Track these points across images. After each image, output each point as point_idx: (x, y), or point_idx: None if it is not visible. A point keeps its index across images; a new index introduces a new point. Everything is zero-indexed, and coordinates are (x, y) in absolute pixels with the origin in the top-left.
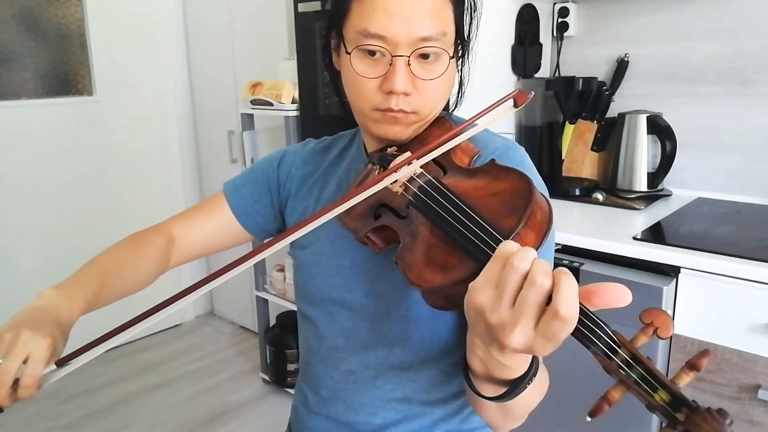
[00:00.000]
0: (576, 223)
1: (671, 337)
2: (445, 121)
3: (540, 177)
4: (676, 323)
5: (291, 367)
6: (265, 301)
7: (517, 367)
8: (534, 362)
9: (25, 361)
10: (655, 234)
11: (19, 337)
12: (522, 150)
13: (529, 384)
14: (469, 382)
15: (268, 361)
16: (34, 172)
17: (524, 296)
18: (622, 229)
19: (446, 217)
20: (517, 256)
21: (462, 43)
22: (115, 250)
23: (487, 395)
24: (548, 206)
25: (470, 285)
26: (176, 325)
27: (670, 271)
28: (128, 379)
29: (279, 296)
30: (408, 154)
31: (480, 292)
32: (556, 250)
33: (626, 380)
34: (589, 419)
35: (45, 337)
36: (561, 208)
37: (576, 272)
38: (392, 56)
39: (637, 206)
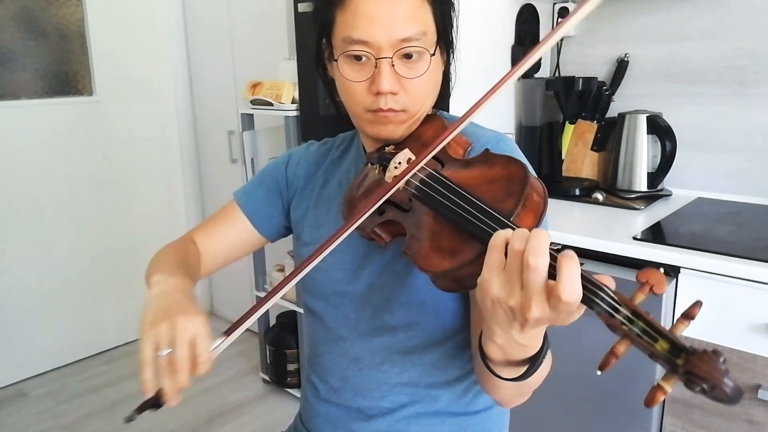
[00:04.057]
0: (576, 223)
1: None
2: (437, 119)
3: (530, 166)
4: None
5: (291, 367)
6: None
7: (533, 345)
8: (546, 338)
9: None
10: (655, 234)
11: (176, 323)
12: (511, 140)
13: (544, 358)
14: (489, 368)
15: (268, 361)
16: (34, 171)
17: (525, 278)
18: (622, 229)
19: (450, 205)
20: (513, 239)
21: (445, 42)
22: (171, 254)
23: (508, 377)
24: (543, 188)
25: (479, 280)
26: None
27: (670, 271)
28: (128, 379)
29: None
30: (405, 152)
31: (490, 282)
32: (556, 250)
33: (629, 334)
34: (599, 373)
35: (196, 314)
36: (561, 208)
37: None
38: (376, 59)
39: (637, 206)
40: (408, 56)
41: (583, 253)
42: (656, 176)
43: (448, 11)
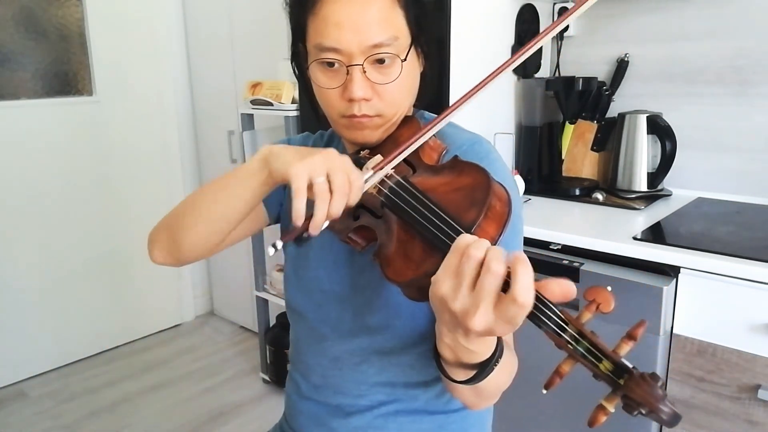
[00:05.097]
0: (576, 223)
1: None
2: (413, 121)
3: (506, 168)
4: (675, 323)
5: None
6: (265, 301)
7: (482, 351)
8: (498, 346)
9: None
10: (655, 234)
11: (329, 155)
12: (487, 143)
13: (495, 366)
14: (441, 368)
15: (268, 361)
16: (33, 171)
17: (482, 282)
18: (622, 229)
19: (413, 214)
20: (472, 246)
21: (420, 43)
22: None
23: (459, 379)
24: (507, 195)
25: (433, 278)
26: (176, 325)
27: (670, 271)
28: (128, 379)
29: (279, 296)
30: (377, 158)
31: (442, 282)
32: (556, 250)
33: (574, 354)
34: (544, 392)
35: (339, 152)
36: (561, 208)
37: (576, 272)
38: (347, 66)
39: (637, 206)
40: (380, 61)
41: (583, 253)
42: (656, 176)
43: (423, 13)
